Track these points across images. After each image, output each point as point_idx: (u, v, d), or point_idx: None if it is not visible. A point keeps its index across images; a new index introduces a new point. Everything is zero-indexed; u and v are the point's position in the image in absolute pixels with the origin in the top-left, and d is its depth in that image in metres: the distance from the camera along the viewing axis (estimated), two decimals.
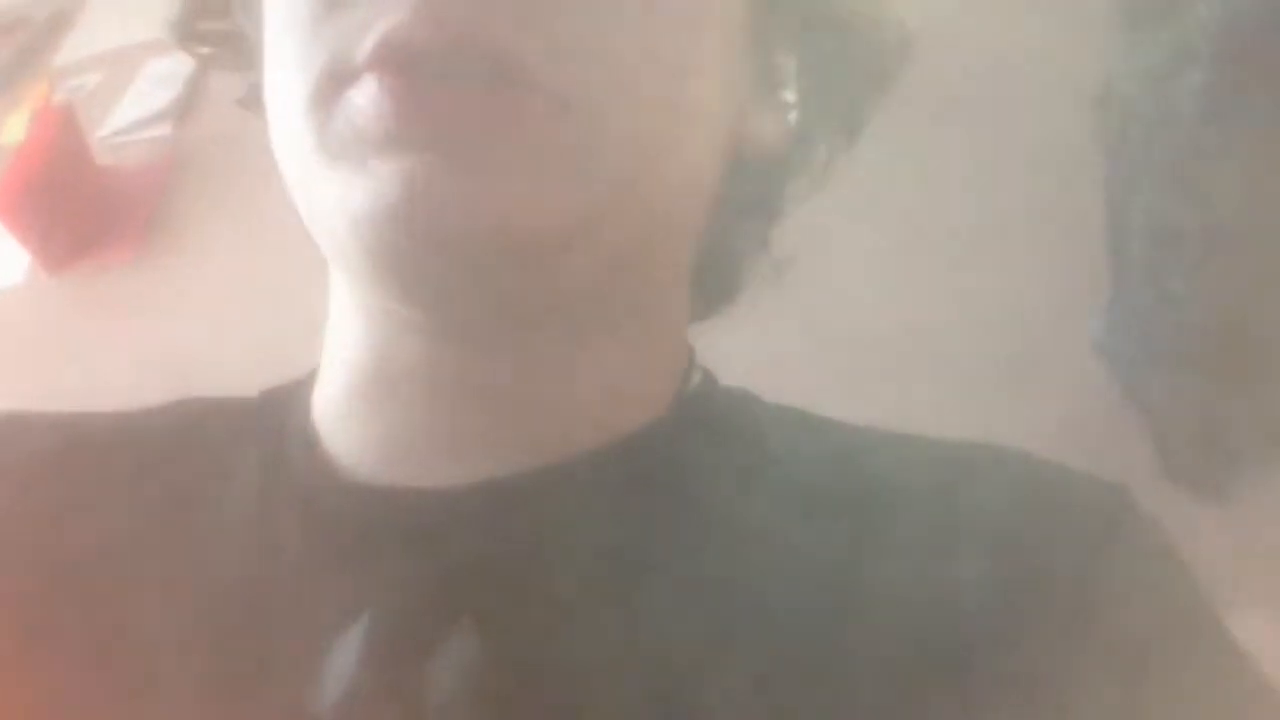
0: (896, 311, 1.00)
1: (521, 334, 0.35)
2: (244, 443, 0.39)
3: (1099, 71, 0.91)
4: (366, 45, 0.30)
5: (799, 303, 0.68)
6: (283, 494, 0.37)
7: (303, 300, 0.41)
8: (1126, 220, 0.94)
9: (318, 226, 0.34)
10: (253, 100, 0.40)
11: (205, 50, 0.45)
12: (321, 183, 0.32)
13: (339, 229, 0.32)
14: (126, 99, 1.31)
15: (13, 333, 1.29)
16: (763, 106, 0.39)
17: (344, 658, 0.35)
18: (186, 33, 0.44)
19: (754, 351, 0.54)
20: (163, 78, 1.32)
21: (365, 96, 0.30)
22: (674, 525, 0.36)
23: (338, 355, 0.38)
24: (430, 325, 0.34)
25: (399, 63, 0.30)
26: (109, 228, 1.31)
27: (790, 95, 0.40)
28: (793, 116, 0.40)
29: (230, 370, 0.54)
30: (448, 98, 0.30)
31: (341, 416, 0.37)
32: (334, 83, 0.31)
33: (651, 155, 0.33)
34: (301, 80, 0.32)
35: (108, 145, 1.32)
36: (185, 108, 1.33)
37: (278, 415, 0.39)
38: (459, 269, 0.31)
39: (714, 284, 0.43)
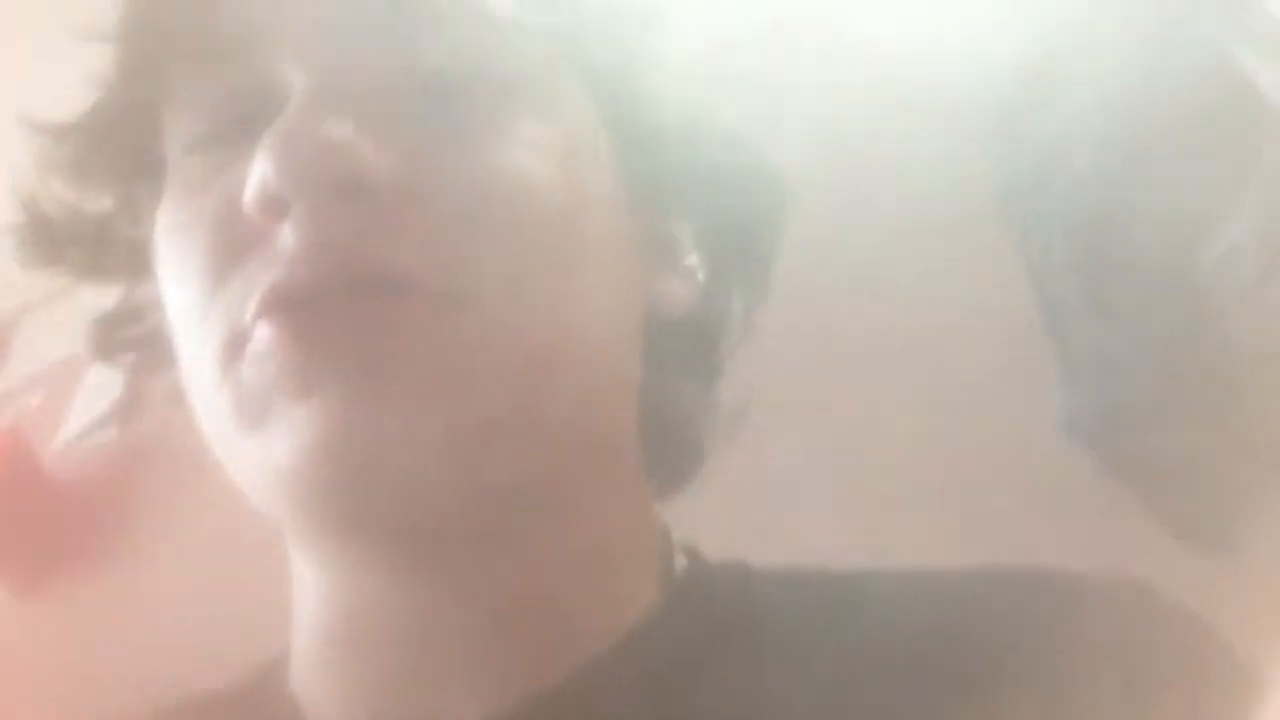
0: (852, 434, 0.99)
1: (474, 556, 0.34)
2: None
3: (990, 179, 0.94)
4: (255, 303, 0.31)
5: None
6: None
7: (272, 583, 0.41)
8: (1057, 305, 0.94)
9: (252, 490, 0.34)
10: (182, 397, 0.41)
11: (129, 357, 0.46)
12: (245, 447, 0.32)
13: (268, 485, 0.32)
14: (71, 410, 1.33)
15: None
16: (666, 272, 0.39)
17: None
18: (106, 345, 0.45)
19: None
20: (101, 384, 1.34)
21: (262, 342, 0.31)
22: (693, 713, 0.35)
23: (306, 624, 0.38)
24: (383, 568, 0.34)
25: (285, 306, 0.31)
26: (70, 540, 1.30)
27: (691, 257, 0.40)
28: (699, 276, 0.41)
29: (204, 662, 0.54)
30: (339, 321, 0.30)
31: (319, 679, 0.37)
32: (237, 343, 0.32)
33: (553, 339, 0.33)
34: (207, 356, 0.33)
35: (60, 459, 1.33)
36: (128, 407, 1.34)
37: (267, 690, 0.39)
38: (387, 496, 0.31)
39: (675, 455, 0.43)
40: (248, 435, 0.32)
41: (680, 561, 0.39)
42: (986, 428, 0.94)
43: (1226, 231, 0.84)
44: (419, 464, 0.31)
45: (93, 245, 0.43)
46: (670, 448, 0.42)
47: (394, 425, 0.30)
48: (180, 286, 0.34)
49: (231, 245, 0.33)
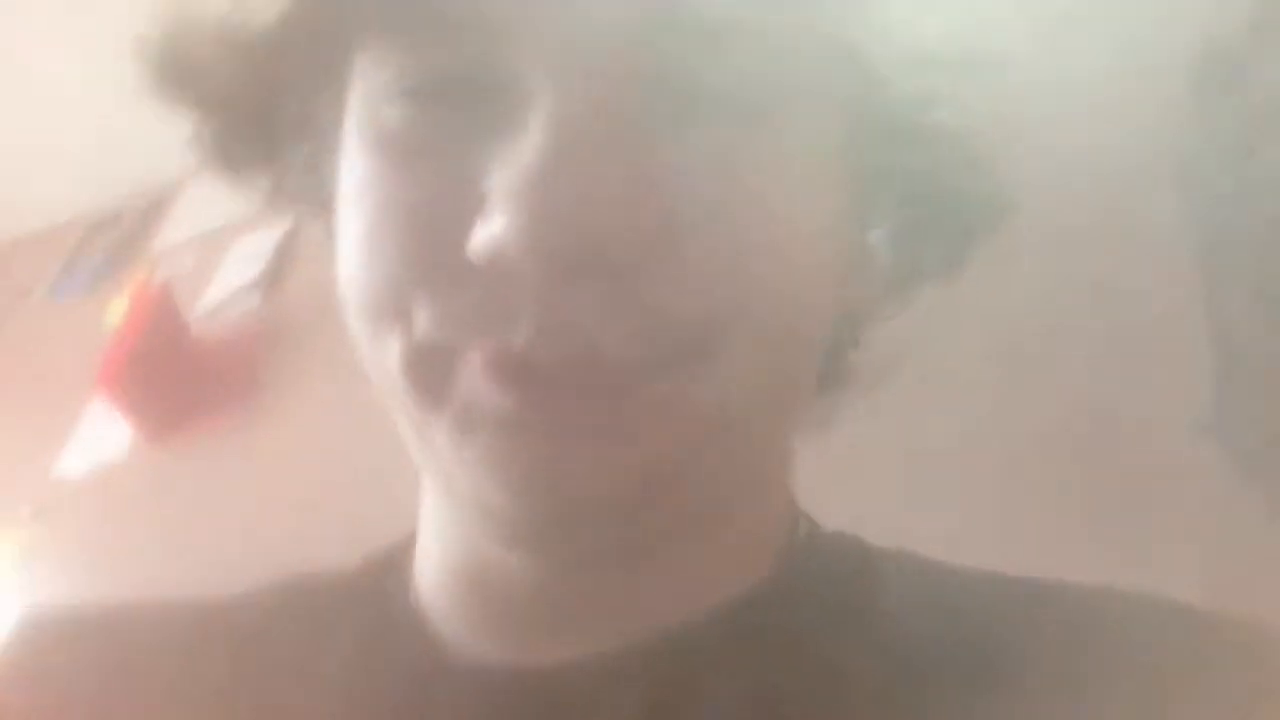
0: (987, 421, 0.97)
1: (623, 541, 0.34)
2: (342, 619, 0.39)
3: (1172, 149, 0.90)
4: (479, 356, 0.29)
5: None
6: (387, 672, 0.37)
7: (393, 468, 0.40)
8: (1225, 300, 0.90)
9: (431, 471, 0.33)
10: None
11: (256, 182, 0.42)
12: (436, 442, 0.31)
13: (457, 484, 0.31)
14: (218, 276, 1.38)
15: (119, 505, 1.33)
16: (860, 274, 0.38)
17: None
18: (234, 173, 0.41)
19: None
20: (250, 255, 1.39)
21: (482, 385, 0.29)
22: (792, 686, 0.35)
23: (435, 545, 0.37)
24: (528, 539, 0.33)
25: (514, 378, 0.29)
26: (206, 398, 1.36)
27: (882, 261, 0.39)
28: (885, 277, 0.39)
29: (327, 535, 0.55)
30: (567, 402, 0.29)
31: (443, 598, 0.37)
32: (431, 359, 0.30)
33: (778, 389, 0.33)
34: (394, 354, 0.31)
35: (203, 320, 1.38)
36: (272, 280, 1.39)
37: (377, 588, 0.39)
38: (576, 525, 0.31)
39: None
40: (438, 434, 0.31)
41: (802, 528, 0.39)
42: (1131, 424, 0.92)
43: None
44: (622, 504, 0.30)
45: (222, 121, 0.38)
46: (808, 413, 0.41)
47: (604, 470, 0.30)
48: (366, 249, 0.32)
49: (443, 248, 0.30)
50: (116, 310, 1.35)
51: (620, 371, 0.29)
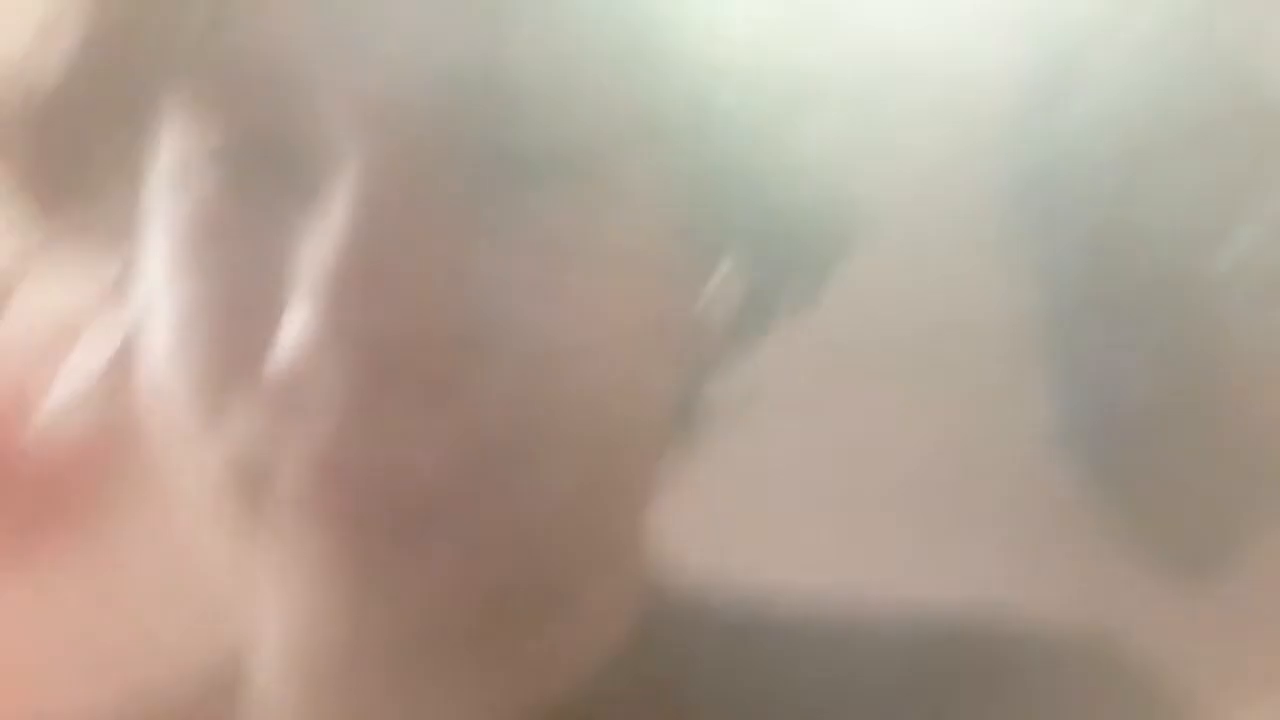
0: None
1: (461, 645, 0.36)
2: None
3: (1000, 175, 0.94)
4: (289, 469, 0.31)
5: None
6: None
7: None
8: (1060, 309, 0.94)
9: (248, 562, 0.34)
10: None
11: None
12: (249, 537, 0.32)
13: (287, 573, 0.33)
14: (55, 384, 1.32)
15: None
16: (700, 335, 0.39)
17: None
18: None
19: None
20: (85, 360, 1.34)
21: (300, 499, 0.30)
22: None
23: (269, 648, 0.39)
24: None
25: (324, 491, 0.30)
26: (48, 518, 1.30)
27: (731, 282, 0.39)
28: (736, 299, 0.40)
29: (166, 649, 0.59)
30: (372, 513, 0.31)
31: (276, 690, 0.39)
32: (245, 480, 0.32)
33: (619, 476, 0.33)
34: (198, 463, 0.32)
35: (40, 433, 1.32)
36: (113, 383, 1.34)
37: (206, 699, 0.43)
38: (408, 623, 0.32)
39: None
40: (251, 529, 0.32)
41: (663, 577, 0.40)
42: (981, 434, 0.94)
43: (1238, 240, 0.85)
44: (446, 602, 0.32)
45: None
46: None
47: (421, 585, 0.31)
48: (183, 330, 0.32)
49: (255, 343, 0.31)
50: None
51: (431, 491, 0.30)
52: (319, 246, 0.28)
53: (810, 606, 0.40)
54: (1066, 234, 0.91)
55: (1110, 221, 0.88)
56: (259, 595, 0.37)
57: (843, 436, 0.98)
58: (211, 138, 0.32)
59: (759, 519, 0.90)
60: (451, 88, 0.30)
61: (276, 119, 0.30)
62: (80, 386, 1.33)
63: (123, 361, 1.35)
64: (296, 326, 0.28)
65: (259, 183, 0.31)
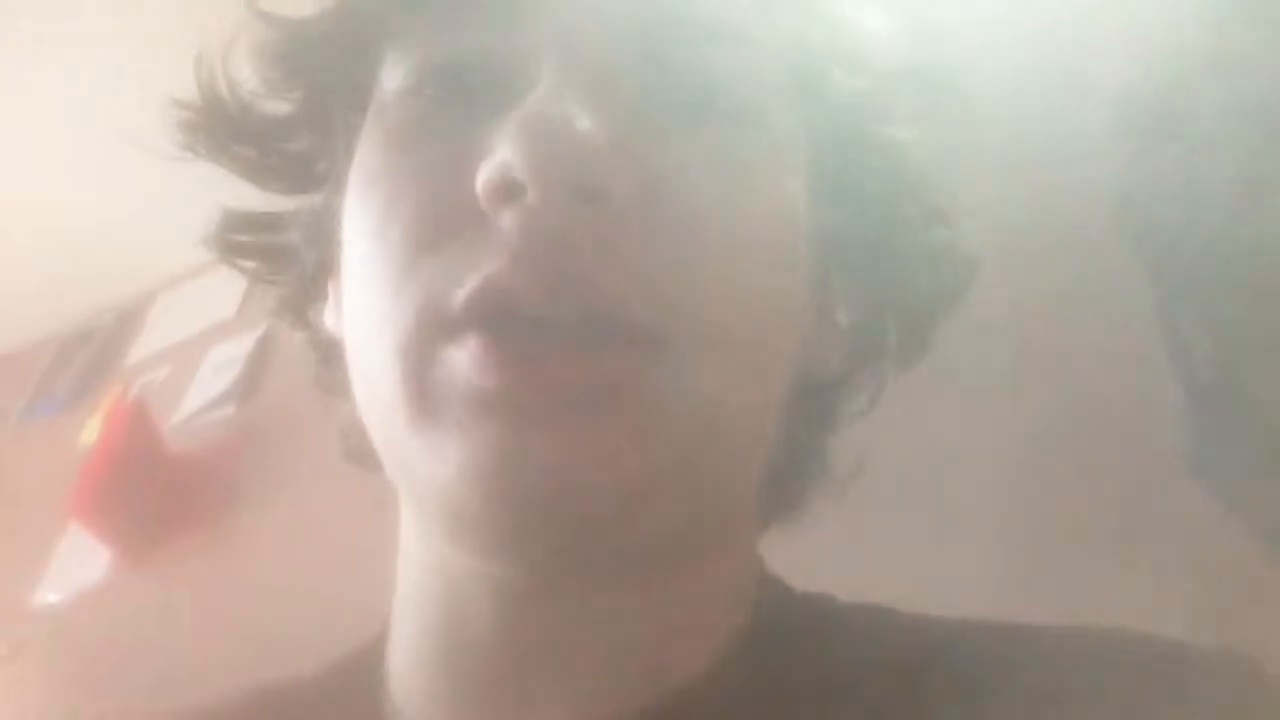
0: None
1: (589, 593, 0.34)
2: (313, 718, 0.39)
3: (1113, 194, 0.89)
4: (463, 293, 0.29)
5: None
6: None
7: (368, 568, 0.41)
8: (1182, 337, 0.88)
9: (405, 485, 0.33)
10: (285, 310, 0.42)
11: (250, 264, 0.44)
12: (411, 443, 0.31)
13: (430, 490, 0.31)
14: (193, 387, 1.38)
15: (100, 627, 1.28)
16: (822, 341, 0.38)
17: None
18: (231, 245, 0.43)
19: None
20: (224, 363, 1.40)
21: (468, 355, 0.29)
22: None
23: (410, 620, 0.37)
24: (506, 583, 0.33)
25: (501, 316, 0.29)
26: (183, 514, 1.34)
27: (848, 320, 0.39)
28: (848, 347, 0.39)
29: (306, 641, 0.53)
30: (548, 354, 0.29)
31: (414, 681, 0.36)
32: (432, 330, 0.30)
33: (735, 394, 0.32)
34: (391, 331, 0.31)
35: (179, 432, 1.37)
36: (247, 387, 1.40)
37: (345, 690, 0.39)
38: (546, 527, 0.30)
39: (779, 504, 0.42)
40: (415, 430, 0.31)
41: (769, 593, 0.39)
42: (1112, 463, 0.89)
43: None
44: (586, 505, 0.30)
45: (256, 147, 0.40)
46: (776, 498, 0.41)
47: (571, 464, 0.29)
48: (377, 246, 0.33)
49: (446, 218, 0.31)
50: (91, 429, 1.33)
51: (597, 311, 0.29)
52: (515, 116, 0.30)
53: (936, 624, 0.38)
54: (1173, 261, 0.86)
55: (1226, 243, 0.82)
56: (408, 586, 0.37)
57: (964, 466, 0.91)
58: (422, 69, 0.34)
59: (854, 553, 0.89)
60: (640, 25, 0.32)
61: (481, 46, 0.33)
62: (218, 389, 1.40)
63: (253, 371, 1.42)
64: (497, 158, 0.30)
65: (454, 104, 0.33)
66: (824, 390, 0.40)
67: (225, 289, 1.40)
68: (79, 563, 1.31)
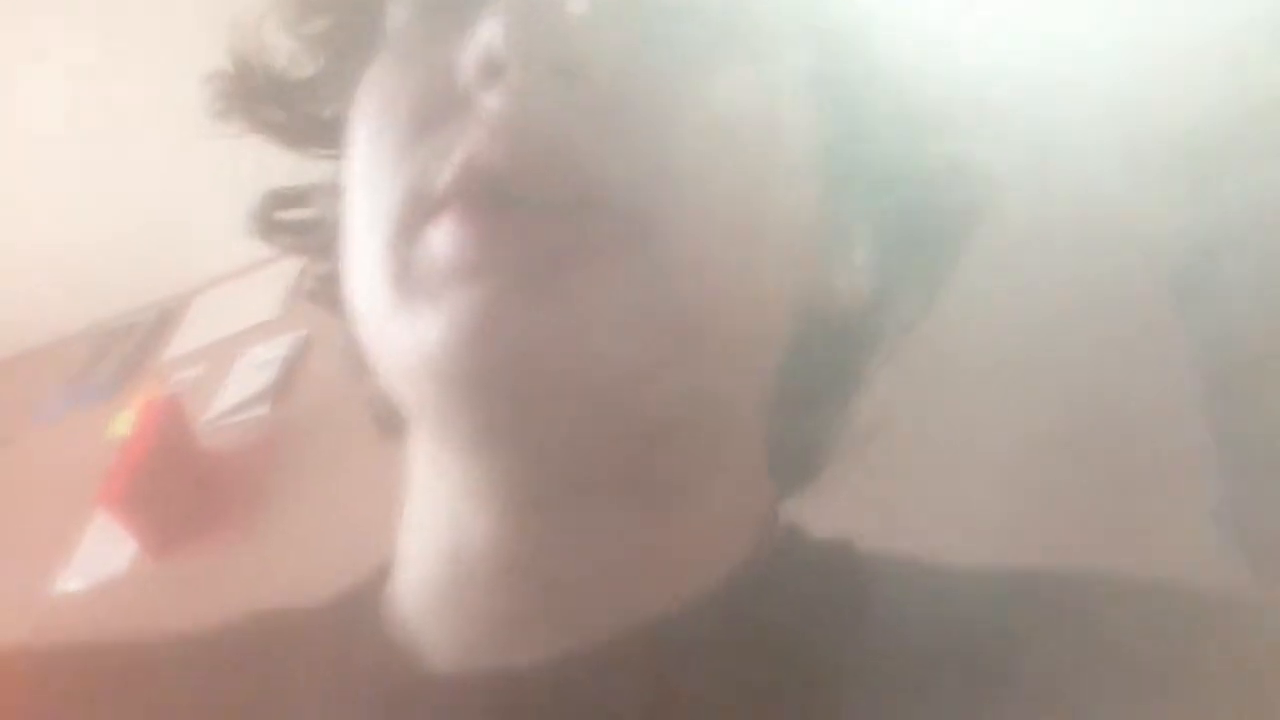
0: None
1: (593, 500, 0.34)
2: (315, 649, 0.38)
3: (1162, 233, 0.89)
4: (448, 172, 0.30)
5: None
6: (361, 698, 0.36)
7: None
8: (1224, 396, 0.87)
9: (392, 369, 0.33)
10: (322, 292, 0.42)
11: (287, 239, 0.45)
12: (396, 321, 0.31)
13: (412, 365, 0.31)
14: (228, 385, 1.39)
15: (119, 623, 1.28)
16: (836, 268, 0.38)
17: None
18: (269, 223, 0.44)
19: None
20: (260, 363, 1.40)
21: (444, 231, 0.30)
22: (781, 683, 0.34)
23: (413, 546, 0.37)
24: (497, 493, 0.33)
25: (479, 189, 0.29)
26: (212, 511, 1.34)
27: (864, 258, 0.39)
28: (868, 280, 0.39)
29: None
30: (526, 224, 0.29)
31: (420, 606, 0.36)
32: (416, 213, 0.31)
33: (725, 284, 0.32)
34: (384, 212, 0.31)
35: (211, 430, 1.38)
36: (281, 388, 1.40)
37: (348, 618, 0.39)
38: (526, 398, 0.30)
39: (797, 459, 0.42)
40: (399, 310, 0.31)
41: (780, 534, 0.38)
42: (1139, 509, 0.88)
43: None
44: (566, 382, 0.30)
45: (287, 109, 0.42)
46: (796, 453, 0.41)
47: (553, 337, 0.29)
48: (371, 144, 0.33)
49: (433, 109, 0.32)
50: (124, 421, 1.34)
51: (581, 188, 0.30)
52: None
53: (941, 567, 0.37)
54: (1219, 318, 0.85)
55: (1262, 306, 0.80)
56: (412, 509, 0.37)
57: (992, 520, 0.88)
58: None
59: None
60: None
61: None
62: (252, 389, 1.41)
63: (288, 373, 1.42)
64: (482, 34, 0.30)
65: (449, 14, 0.33)
66: (838, 334, 0.39)
67: (266, 291, 1.41)
68: (104, 553, 1.32)
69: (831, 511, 0.41)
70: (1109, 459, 0.89)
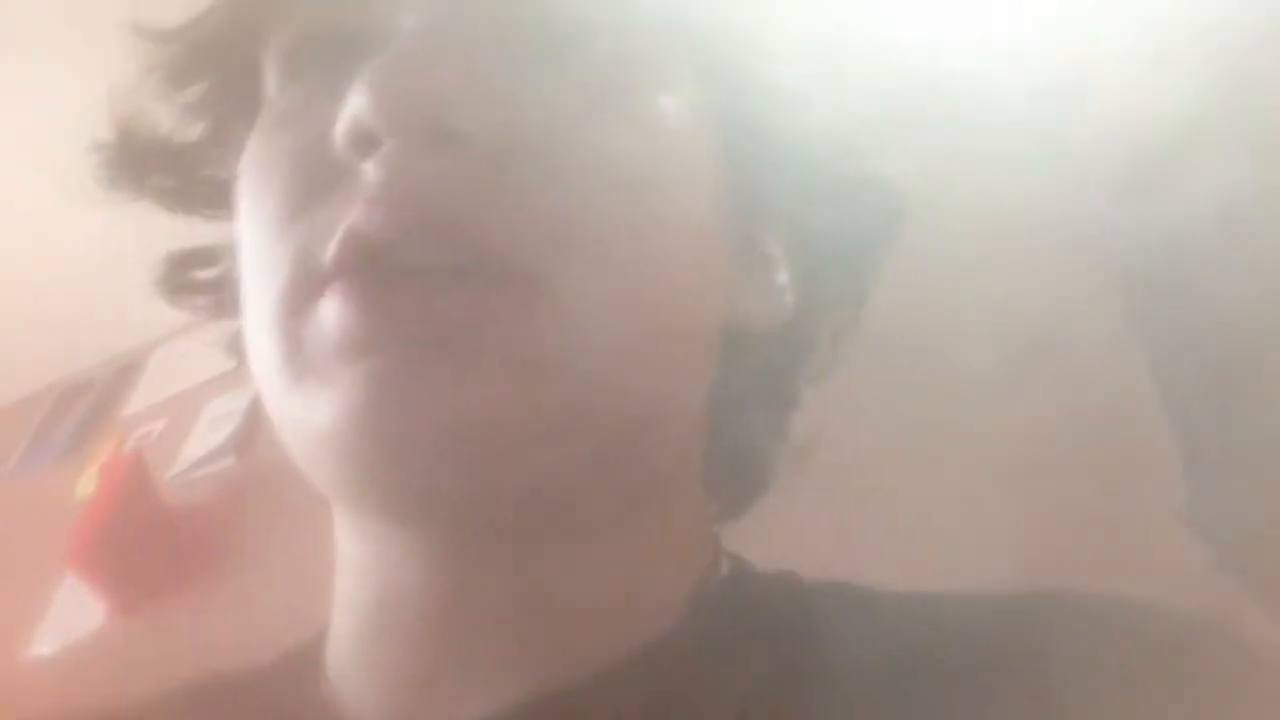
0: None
1: (518, 546, 0.33)
2: (258, 709, 0.38)
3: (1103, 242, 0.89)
4: (331, 247, 0.29)
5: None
6: None
7: None
8: (1179, 396, 0.87)
9: (293, 445, 0.32)
10: (235, 346, 0.41)
11: (199, 300, 0.44)
12: (291, 401, 0.30)
13: (311, 447, 0.30)
14: (191, 439, 1.38)
15: (89, 682, 1.26)
16: (754, 286, 0.37)
17: None
18: (177, 285, 0.43)
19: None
20: (222, 415, 1.40)
21: (330, 307, 0.29)
22: None
23: (344, 600, 0.36)
24: (423, 549, 0.33)
25: (362, 262, 0.29)
26: (180, 566, 1.33)
27: (783, 274, 0.38)
28: (788, 296, 0.38)
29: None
30: (413, 295, 0.29)
31: (352, 664, 0.36)
32: (302, 289, 0.30)
33: (629, 337, 0.31)
34: (269, 290, 0.31)
35: (176, 484, 1.37)
36: (245, 440, 1.40)
37: (290, 679, 0.38)
38: (430, 471, 0.29)
39: (738, 480, 0.41)
40: (293, 391, 0.30)
41: (723, 569, 0.38)
42: (1102, 514, 0.88)
43: None
44: (467, 447, 0.29)
45: (175, 177, 0.41)
46: (734, 473, 0.41)
47: (445, 408, 0.29)
48: (254, 220, 0.33)
49: (313, 180, 0.31)
50: (88, 481, 1.32)
51: (466, 250, 0.29)
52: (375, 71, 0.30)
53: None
54: (1183, 314, 0.85)
55: (1227, 305, 0.80)
56: (339, 573, 0.37)
57: (934, 513, 0.89)
58: (291, 43, 0.34)
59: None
60: None
61: (354, 13, 0.33)
62: (211, 445, 1.40)
63: (251, 424, 1.41)
64: (351, 108, 0.30)
65: (323, 76, 0.33)
66: (766, 352, 0.39)
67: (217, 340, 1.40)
68: (73, 615, 1.30)
69: (791, 534, 0.41)
70: (1077, 477, 0.88)
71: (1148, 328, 0.89)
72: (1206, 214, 0.82)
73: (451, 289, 0.29)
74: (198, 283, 0.43)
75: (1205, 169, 0.83)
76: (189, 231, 0.44)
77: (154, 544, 1.33)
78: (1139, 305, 0.88)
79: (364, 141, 0.30)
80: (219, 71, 0.38)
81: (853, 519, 0.85)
